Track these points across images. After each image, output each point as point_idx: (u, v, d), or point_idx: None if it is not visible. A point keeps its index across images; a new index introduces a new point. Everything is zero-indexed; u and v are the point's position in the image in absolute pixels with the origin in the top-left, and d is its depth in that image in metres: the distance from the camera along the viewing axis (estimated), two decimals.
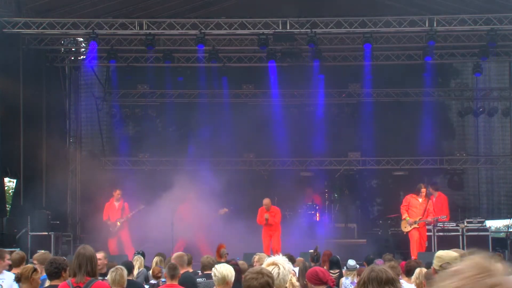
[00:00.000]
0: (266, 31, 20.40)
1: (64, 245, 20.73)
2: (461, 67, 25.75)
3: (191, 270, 10.93)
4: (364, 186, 25.41)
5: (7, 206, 23.22)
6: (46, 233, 19.89)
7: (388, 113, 24.74)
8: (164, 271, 10.07)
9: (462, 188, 25.16)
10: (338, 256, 13.14)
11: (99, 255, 9.38)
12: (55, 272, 7.09)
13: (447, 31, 21.07)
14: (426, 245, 18.95)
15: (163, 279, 11.22)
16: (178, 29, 20.50)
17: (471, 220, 20.78)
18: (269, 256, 7.16)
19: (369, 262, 12.09)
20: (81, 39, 24.10)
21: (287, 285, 5.42)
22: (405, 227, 18.89)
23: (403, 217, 18.96)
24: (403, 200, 19.33)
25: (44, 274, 7.55)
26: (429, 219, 18.79)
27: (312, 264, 13.33)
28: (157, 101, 24.95)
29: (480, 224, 20.53)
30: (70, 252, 19.36)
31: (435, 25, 20.05)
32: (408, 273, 9.41)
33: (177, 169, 21.96)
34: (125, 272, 8.55)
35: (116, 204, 19.95)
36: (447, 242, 18.89)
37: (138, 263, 12.39)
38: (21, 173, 21.53)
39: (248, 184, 23.21)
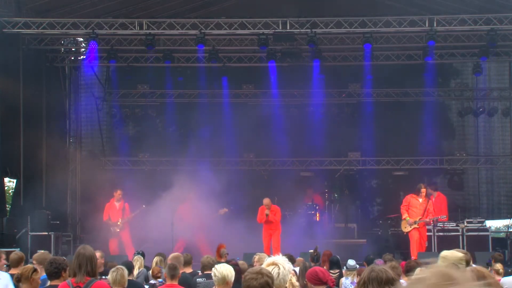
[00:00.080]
0: (266, 31, 20.40)
1: (64, 245, 20.73)
2: (461, 67, 25.74)
3: (190, 270, 10.94)
4: (364, 186, 25.40)
5: (7, 206, 23.22)
6: (46, 233, 19.89)
7: (388, 113, 24.73)
8: (164, 271, 10.08)
9: (462, 188, 25.16)
10: (338, 256, 13.14)
11: (96, 254, 9.38)
12: (55, 272, 7.09)
13: (447, 31, 21.07)
14: (426, 245, 18.96)
15: (159, 279, 11.24)
16: (178, 29, 20.50)
17: (471, 220, 20.79)
18: (269, 256, 7.16)
19: (369, 262, 12.09)
20: (81, 39, 24.08)
21: (287, 285, 5.42)
22: (405, 227, 18.90)
23: (403, 217, 18.97)
24: (403, 200, 19.33)
25: (44, 274, 7.54)
26: (428, 219, 18.80)
27: (312, 264, 13.32)
28: (157, 101, 24.95)
29: (480, 224, 20.54)
30: (70, 252, 19.35)
31: (435, 25, 20.05)
32: (408, 273, 9.41)
33: (177, 169, 21.95)
34: (126, 272, 8.55)
35: (117, 204, 19.94)
36: (447, 242, 18.90)
37: (138, 263, 12.39)
38: (21, 173, 21.53)
39: (248, 184, 23.20)
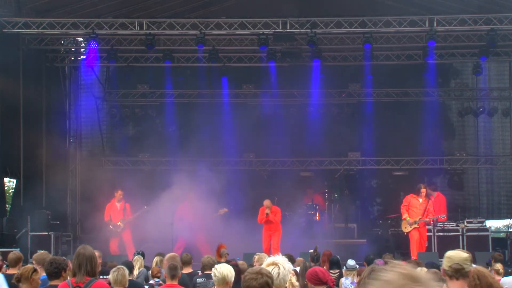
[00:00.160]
0: (266, 31, 20.40)
1: (64, 245, 20.72)
2: (461, 67, 25.75)
3: (190, 270, 10.94)
4: (364, 186, 25.38)
5: (7, 206, 23.22)
6: (46, 233, 19.89)
7: (388, 113, 24.74)
8: (164, 271, 10.08)
9: (462, 188, 25.14)
10: (338, 256, 13.14)
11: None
12: (55, 272, 7.09)
13: (447, 31, 21.07)
14: (426, 245, 18.96)
15: (156, 279, 11.26)
16: (178, 29, 20.50)
17: (471, 220, 20.80)
18: (269, 256, 7.16)
19: (369, 262, 12.09)
20: (81, 39, 24.08)
21: (287, 285, 5.42)
22: (406, 228, 18.90)
23: (403, 217, 18.97)
24: (403, 200, 19.34)
25: (44, 274, 7.54)
26: (428, 218, 18.80)
27: (312, 264, 13.32)
28: (157, 101, 24.95)
29: (480, 224, 20.54)
30: (70, 252, 19.34)
31: (435, 25, 20.05)
32: None
33: (177, 169, 21.95)
34: (126, 272, 8.54)
35: (118, 204, 19.94)
36: (447, 242, 18.91)
37: (138, 263, 12.39)
38: (21, 173, 21.53)
39: (248, 184, 23.20)
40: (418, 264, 9.78)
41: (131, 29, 20.49)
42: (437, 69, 23.63)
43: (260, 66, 23.46)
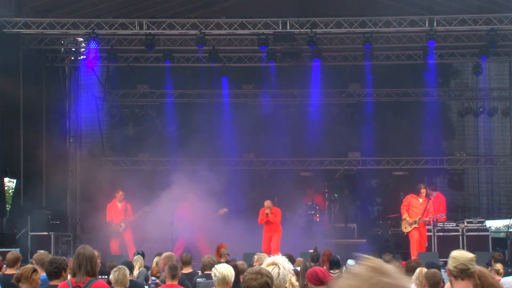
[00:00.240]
0: (266, 31, 20.39)
1: (64, 245, 20.72)
2: (461, 67, 25.74)
3: (190, 270, 10.94)
4: (364, 186, 25.37)
5: (7, 206, 23.22)
6: (46, 233, 19.88)
7: (388, 113, 24.74)
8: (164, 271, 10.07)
9: (462, 188, 25.14)
10: (338, 256, 13.12)
11: None
12: (55, 272, 7.08)
13: (447, 31, 21.07)
14: (426, 245, 18.96)
15: (153, 278, 11.26)
16: (178, 29, 20.50)
17: (471, 220, 20.79)
18: (268, 256, 7.15)
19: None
20: (81, 39, 24.08)
21: (287, 285, 5.41)
22: (406, 228, 18.90)
23: (403, 217, 18.98)
24: (403, 200, 19.35)
25: (44, 274, 7.54)
26: (427, 218, 18.81)
27: (312, 264, 13.32)
28: (157, 101, 24.95)
29: (480, 224, 20.54)
30: (70, 252, 19.33)
31: (435, 25, 20.04)
32: (409, 273, 9.40)
33: (177, 169, 21.94)
34: (127, 272, 8.54)
35: (119, 205, 19.93)
36: (447, 242, 18.92)
37: (138, 263, 12.39)
38: (21, 173, 21.53)
39: (248, 184, 23.19)
40: (418, 264, 9.77)
41: (131, 29, 20.49)
42: (437, 69, 23.62)
43: (260, 66, 23.46)
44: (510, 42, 22.06)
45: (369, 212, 26.14)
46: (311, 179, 24.71)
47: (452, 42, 22.11)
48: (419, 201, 18.83)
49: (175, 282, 8.91)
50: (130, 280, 8.90)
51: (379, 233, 23.07)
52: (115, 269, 8.54)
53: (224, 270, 6.63)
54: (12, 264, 9.51)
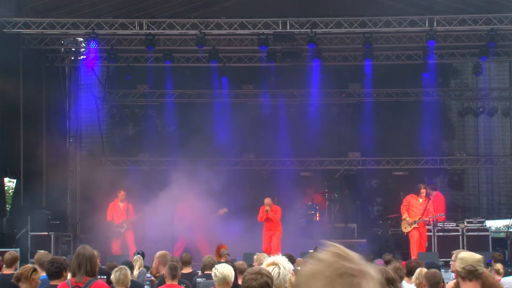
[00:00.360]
0: (266, 31, 20.39)
1: (64, 245, 20.71)
2: (461, 67, 25.74)
3: (190, 270, 10.94)
4: (364, 186, 25.37)
5: (7, 206, 23.22)
6: (46, 233, 19.87)
7: (388, 113, 24.73)
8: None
9: (462, 188, 25.13)
10: None
11: None
12: (56, 272, 7.08)
13: (447, 31, 21.07)
14: (426, 245, 18.96)
15: (148, 275, 11.27)
16: (178, 29, 20.50)
17: (471, 220, 20.79)
18: (268, 256, 7.15)
19: (369, 262, 12.06)
20: (81, 39, 24.08)
21: (287, 285, 5.41)
22: (405, 228, 18.91)
23: (403, 217, 18.98)
24: (403, 200, 19.36)
25: (44, 274, 7.54)
26: (427, 218, 18.81)
27: None
28: (157, 101, 24.94)
29: (480, 224, 20.53)
30: (70, 252, 19.34)
31: (435, 25, 20.04)
32: (409, 273, 9.41)
33: (177, 169, 21.94)
34: (128, 272, 8.54)
35: (121, 205, 19.92)
36: (447, 242, 18.92)
37: (138, 263, 12.38)
38: (21, 173, 21.53)
39: (247, 184, 23.20)
40: (418, 264, 9.77)
41: (131, 29, 20.49)
42: (437, 69, 23.62)
43: (260, 66, 23.46)
44: (510, 42, 22.05)
45: (369, 212, 26.13)
46: (311, 179, 24.71)
47: (452, 42, 22.11)
48: (419, 201, 18.83)
49: (175, 282, 8.91)
50: (131, 280, 8.90)
51: (379, 233, 23.07)
52: (116, 269, 8.54)
53: (224, 270, 6.63)
54: (10, 264, 9.51)
